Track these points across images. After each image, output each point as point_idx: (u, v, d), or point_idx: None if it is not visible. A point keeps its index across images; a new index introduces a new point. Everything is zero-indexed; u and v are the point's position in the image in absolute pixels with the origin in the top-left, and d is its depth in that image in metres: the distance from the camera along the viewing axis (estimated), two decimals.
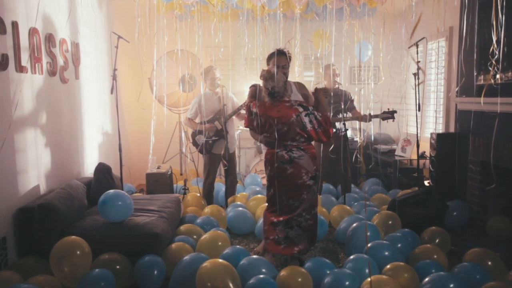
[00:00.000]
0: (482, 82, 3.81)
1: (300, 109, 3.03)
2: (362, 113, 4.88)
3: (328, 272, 2.71)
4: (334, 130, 4.62)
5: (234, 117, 4.47)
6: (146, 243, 3.00)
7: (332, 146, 4.44)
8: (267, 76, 3.06)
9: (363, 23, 5.22)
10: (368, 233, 3.18)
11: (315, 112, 3.04)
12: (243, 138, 5.91)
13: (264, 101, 3.12)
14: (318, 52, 5.40)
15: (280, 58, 3.18)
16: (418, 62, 4.31)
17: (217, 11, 4.69)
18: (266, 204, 3.29)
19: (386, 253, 2.95)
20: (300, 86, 3.37)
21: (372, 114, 4.48)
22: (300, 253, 3.12)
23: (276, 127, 3.04)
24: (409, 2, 4.96)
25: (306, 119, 3.01)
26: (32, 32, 3.20)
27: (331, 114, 4.58)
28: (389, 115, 4.43)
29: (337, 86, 4.75)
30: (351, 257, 2.89)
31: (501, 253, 3.13)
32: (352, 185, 5.09)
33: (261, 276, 2.62)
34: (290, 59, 3.26)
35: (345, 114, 4.58)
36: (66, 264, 2.65)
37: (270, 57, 3.25)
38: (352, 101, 4.71)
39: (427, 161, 4.95)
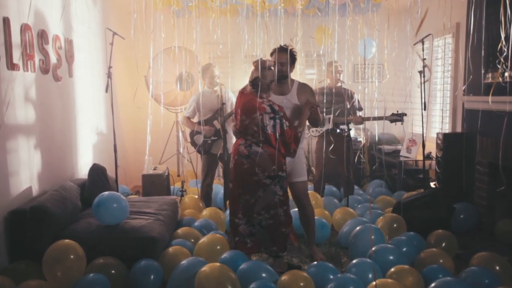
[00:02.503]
0: (490, 80, 3.81)
1: (268, 110, 3.01)
2: (365, 112, 4.88)
3: (331, 277, 2.72)
4: (338, 131, 4.61)
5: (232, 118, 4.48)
6: (142, 247, 3.00)
7: (332, 145, 4.44)
8: (259, 66, 3.07)
9: (367, 19, 5.21)
10: (372, 237, 3.18)
11: (284, 120, 3.03)
12: None
13: (247, 88, 3.18)
14: (320, 49, 5.39)
15: (280, 55, 3.20)
16: (424, 59, 4.31)
17: (216, 7, 4.69)
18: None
19: (391, 257, 2.95)
20: (303, 90, 3.32)
21: (377, 113, 4.49)
22: (269, 253, 3.17)
23: (240, 116, 3.12)
24: None
25: (270, 122, 3.00)
26: (24, 28, 3.20)
27: (335, 114, 4.57)
28: (398, 117, 4.43)
29: (339, 84, 4.75)
30: (355, 261, 2.90)
31: (510, 257, 3.12)
32: (356, 187, 5.08)
33: (262, 280, 2.63)
34: (294, 57, 3.26)
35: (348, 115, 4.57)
36: (59, 268, 2.65)
37: (272, 53, 3.28)
38: (353, 102, 4.71)
39: (433, 162, 4.95)
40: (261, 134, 3.01)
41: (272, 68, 3.14)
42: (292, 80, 3.34)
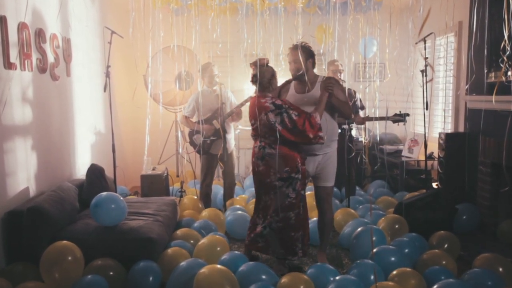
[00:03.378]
0: (493, 79, 3.80)
1: (271, 107, 3.01)
2: (367, 112, 4.88)
3: (331, 278, 2.71)
4: (339, 131, 4.60)
5: (231, 117, 4.47)
6: (141, 248, 3.00)
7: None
8: (257, 64, 3.10)
9: (368, 18, 5.21)
10: (374, 238, 3.18)
11: (291, 111, 2.98)
12: (243, 138, 5.91)
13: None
14: (321, 48, 5.38)
15: (292, 53, 3.20)
16: (426, 58, 4.31)
17: (215, 5, 4.69)
18: None
19: (393, 258, 2.95)
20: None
21: (378, 113, 4.48)
22: (276, 256, 3.18)
23: (250, 120, 3.18)
24: None
25: (276, 119, 2.99)
26: (21, 27, 3.20)
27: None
28: (400, 118, 4.42)
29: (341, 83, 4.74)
30: (356, 262, 2.90)
31: None
32: (357, 188, 5.08)
33: (262, 283, 2.63)
34: (310, 52, 3.21)
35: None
36: (57, 270, 2.65)
37: (288, 53, 3.27)
38: (355, 101, 4.70)
39: (435, 162, 4.95)
40: (272, 132, 3.02)
41: (269, 65, 3.16)
42: (316, 76, 3.27)
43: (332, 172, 3.27)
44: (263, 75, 3.09)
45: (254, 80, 3.11)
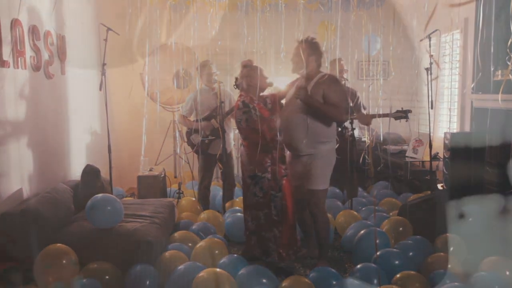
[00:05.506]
0: (499, 77, 3.80)
1: (240, 105, 3.17)
2: (369, 112, 4.88)
3: (334, 282, 2.72)
4: (339, 129, 4.60)
5: (230, 116, 4.48)
6: (138, 251, 3.00)
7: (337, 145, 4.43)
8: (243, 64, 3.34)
9: (371, 14, 5.21)
10: (377, 241, 3.18)
11: (254, 111, 3.11)
12: None
13: None
14: (323, 45, 5.38)
15: (296, 47, 3.24)
16: (431, 55, 4.31)
17: (214, 2, 4.70)
18: None
19: (396, 262, 2.95)
20: (320, 83, 3.13)
21: (381, 112, 4.47)
22: (246, 254, 3.25)
23: None
24: None
25: (242, 117, 3.15)
26: (15, 23, 3.20)
27: None
28: (402, 114, 4.41)
29: (343, 82, 4.75)
30: (359, 266, 2.90)
31: None
32: (360, 189, 5.08)
33: (262, 286, 2.63)
34: (312, 49, 3.18)
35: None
36: (51, 274, 2.65)
37: None
38: (358, 99, 4.71)
39: (441, 163, 4.95)
40: (239, 129, 3.24)
41: (247, 67, 3.28)
42: (317, 73, 3.22)
43: (319, 175, 3.14)
44: (240, 75, 3.28)
45: (234, 83, 3.35)
